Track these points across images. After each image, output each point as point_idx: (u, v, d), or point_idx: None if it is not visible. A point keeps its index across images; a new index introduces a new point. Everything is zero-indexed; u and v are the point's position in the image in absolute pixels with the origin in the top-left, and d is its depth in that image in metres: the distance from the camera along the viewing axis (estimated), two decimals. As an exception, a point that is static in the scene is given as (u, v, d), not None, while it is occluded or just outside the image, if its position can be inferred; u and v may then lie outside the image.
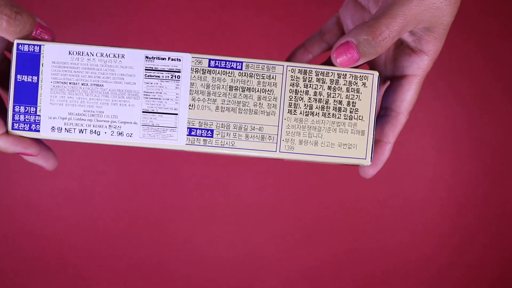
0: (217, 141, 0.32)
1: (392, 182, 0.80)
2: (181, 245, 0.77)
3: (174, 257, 0.76)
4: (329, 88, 0.33)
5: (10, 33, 0.31)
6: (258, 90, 0.33)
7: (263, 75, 0.33)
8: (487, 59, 0.79)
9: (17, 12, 0.31)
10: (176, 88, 0.32)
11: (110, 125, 0.32)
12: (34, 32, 0.32)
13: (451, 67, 0.81)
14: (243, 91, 0.33)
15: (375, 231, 0.79)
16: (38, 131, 0.32)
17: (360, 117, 0.33)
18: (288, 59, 0.41)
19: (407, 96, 0.35)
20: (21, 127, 0.32)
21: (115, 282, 0.76)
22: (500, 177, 0.80)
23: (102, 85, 0.32)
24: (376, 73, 0.33)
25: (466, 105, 0.80)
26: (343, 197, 0.79)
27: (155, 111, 0.32)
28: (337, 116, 0.33)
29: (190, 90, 0.32)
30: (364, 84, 0.33)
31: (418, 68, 0.34)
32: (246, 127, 0.32)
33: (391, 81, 0.36)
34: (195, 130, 0.32)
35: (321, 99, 0.33)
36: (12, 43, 0.32)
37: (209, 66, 0.33)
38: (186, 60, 0.33)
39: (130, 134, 0.32)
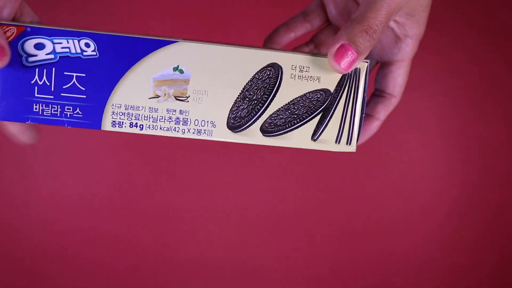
0: None
1: (392, 183, 0.79)
2: (180, 246, 0.77)
3: (174, 257, 0.77)
4: None
5: None
6: None
7: None
8: (486, 60, 0.78)
9: None
10: None
11: None
12: None
13: (450, 67, 0.78)
14: None
15: (375, 232, 0.80)
16: None
17: None
18: (270, 36, 0.41)
19: (399, 81, 0.36)
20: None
21: (115, 282, 0.77)
22: (500, 177, 0.80)
23: None
24: (364, 65, 0.33)
25: (463, 105, 0.79)
26: (343, 197, 0.79)
27: None
28: None
29: None
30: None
31: (405, 53, 0.35)
32: None
33: (381, 65, 0.38)
34: None
35: None
36: None
37: None
38: None
39: None
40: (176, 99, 0.32)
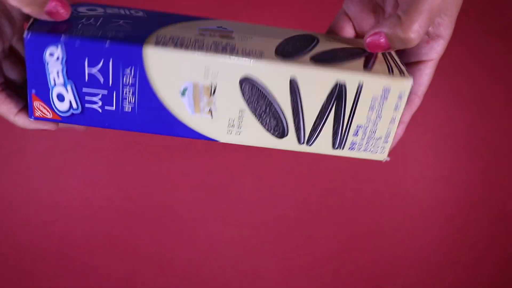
0: None
1: (392, 183, 0.79)
2: (181, 244, 0.78)
3: (174, 256, 0.78)
4: None
5: (22, 3, 0.29)
6: None
7: None
8: (487, 59, 0.77)
9: None
10: None
11: None
12: (48, 5, 0.29)
13: (450, 67, 0.77)
14: None
15: (375, 232, 0.81)
16: None
17: None
18: None
19: (425, 80, 0.36)
20: None
21: (115, 282, 0.77)
22: (499, 176, 0.80)
23: None
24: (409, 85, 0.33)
25: (465, 105, 0.79)
26: (343, 198, 0.79)
27: None
28: None
29: None
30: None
31: (435, 53, 0.35)
32: None
33: (407, 64, 0.37)
34: None
35: None
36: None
37: None
38: None
39: None
40: (222, 37, 0.32)
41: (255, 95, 0.31)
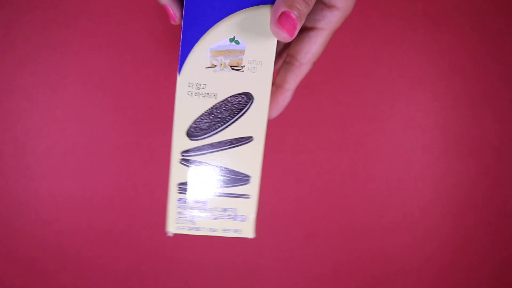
0: None
1: (392, 183, 0.80)
2: (180, 246, 0.78)
3: (174, 258, 0.77)
4: None
5: None
6: None
7: None
8: (487, 59, 0.78)
9: None
10: None
11: None
12: None
13: (451, 67, 0.77)
14: None
15: (375, 232, 0.81)
16: None
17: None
18: None
19: (313, 48, 0.35)
20: None
21: (115, 283, 0.77)
22: (500, 177, 0.81)
23: None
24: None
25: (465, 105, 0.79)
26: (342, 197, 0.80)
27: None
28: None
29: None
30: None
31: (328, 23, 0.34)
32: None
33: (300, 30, 0.36)
34: None
35: None
36: None
37: None
38: None
39: None
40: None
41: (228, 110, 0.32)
